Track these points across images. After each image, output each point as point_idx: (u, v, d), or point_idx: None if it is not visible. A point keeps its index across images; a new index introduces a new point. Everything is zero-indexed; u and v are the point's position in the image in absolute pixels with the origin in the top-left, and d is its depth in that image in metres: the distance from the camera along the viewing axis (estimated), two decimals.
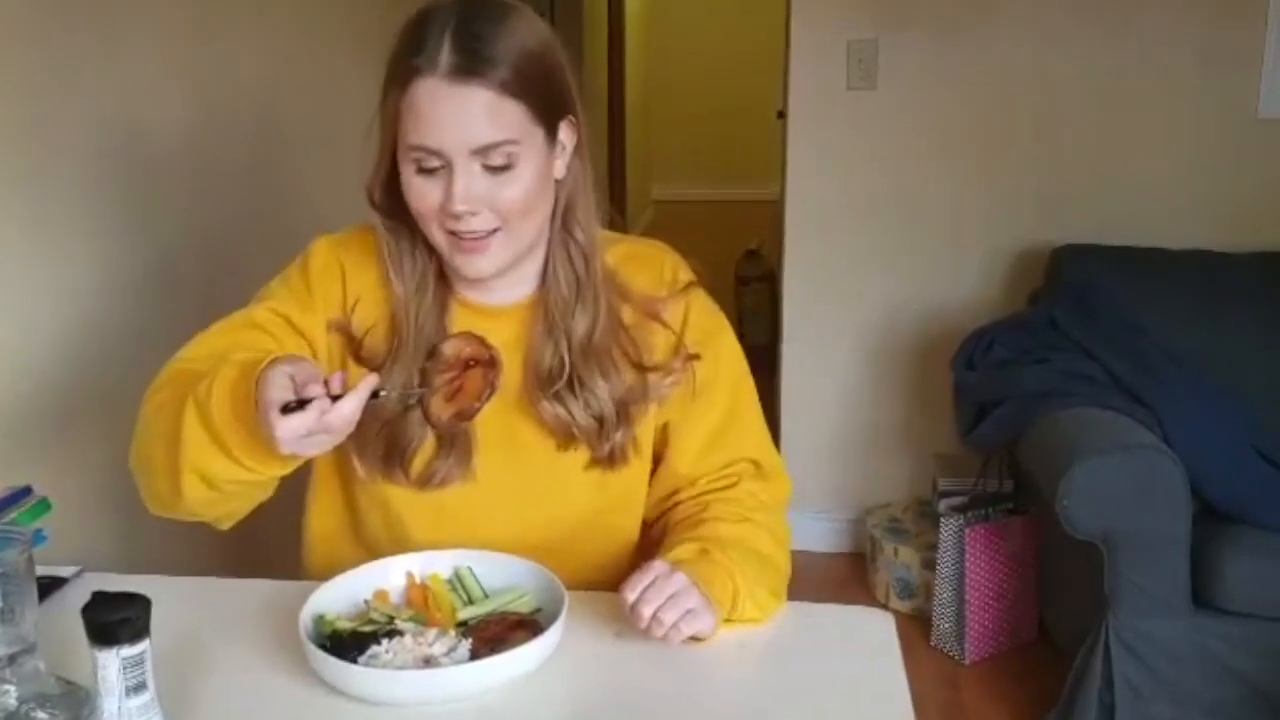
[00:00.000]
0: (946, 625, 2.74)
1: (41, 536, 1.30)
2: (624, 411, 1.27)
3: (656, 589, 1.11)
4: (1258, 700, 2.21)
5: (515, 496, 1.28)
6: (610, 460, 1.28)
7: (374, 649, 1.09)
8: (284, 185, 2.30)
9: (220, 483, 1.09)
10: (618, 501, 1.33)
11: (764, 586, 1.22)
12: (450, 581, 1.21)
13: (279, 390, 1.01)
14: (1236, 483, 2.28)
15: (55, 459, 1.61)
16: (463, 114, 1.11)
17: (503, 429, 1.26)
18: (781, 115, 3.17)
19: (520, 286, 1.27)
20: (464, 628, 1.14)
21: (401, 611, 1.16)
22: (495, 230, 1.17)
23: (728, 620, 1.17)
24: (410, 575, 1.21)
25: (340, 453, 1.27)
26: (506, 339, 1.22)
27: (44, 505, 1.32)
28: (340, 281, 1.27)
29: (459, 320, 1.26)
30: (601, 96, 6.45)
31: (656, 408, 1.31)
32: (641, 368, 1.28)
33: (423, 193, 1.16)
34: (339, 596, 1.17)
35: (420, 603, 1.18)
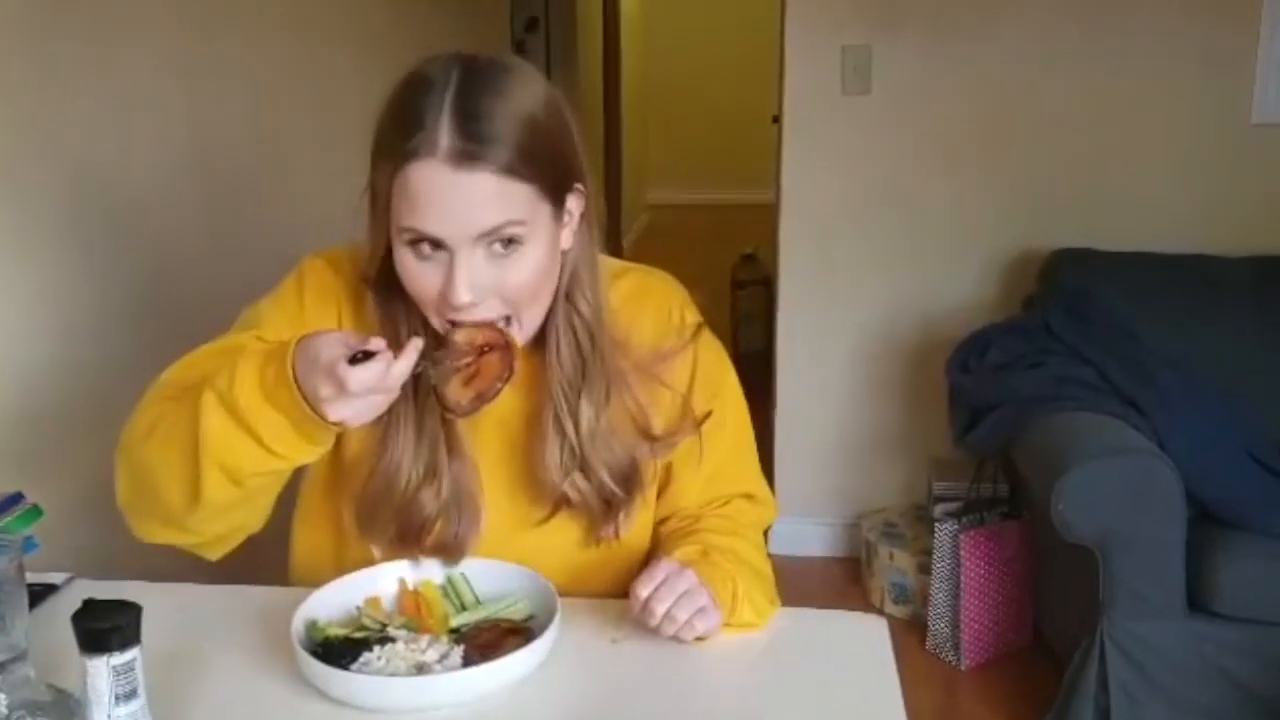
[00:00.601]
0: (942, 630, 2.73)
1: (32, 543, 1.29)
2: (635, 479, 1.25)
3: (669, 587, 1.11)
4: (1253, 704, 2.21)
5: (518, 552, 1.24)
6: (616, 533, 1.26)
7: (366, 656, 1.08)
8: (278, 200, 2.30)
9: (246, 476, 1.06)
10: (622, 546, 1.31)
11: (759, 593, 1.23)
12: (443, 588, 1.21)
13: (336, 347, 0.99)
14: (1231, 487, 2.28)
15: (46, 466, 1.60)
16: (465, 201, 1.03)
17: (509, 495, 1.24)
18: (776, 120, 3.17)
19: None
20: (457, 634, 1.14)
21: (394, 618, 1.16)
22: (504, 318, 1.11)
23: (726, 624, 1.17)
24: (403, 582, 1.21)
25: (328, 473, 1.26)
26: (509, 400, 1.18)
27: (35, 512, 1.31)
28: (335, 306, 1.21)
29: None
30: (597, 100, 6.45)
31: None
32: (649, 436, 1.25)
33: (421, 278, 1.08)
34: (331, 603, 1.16)
35: (413, 609, 1.17)
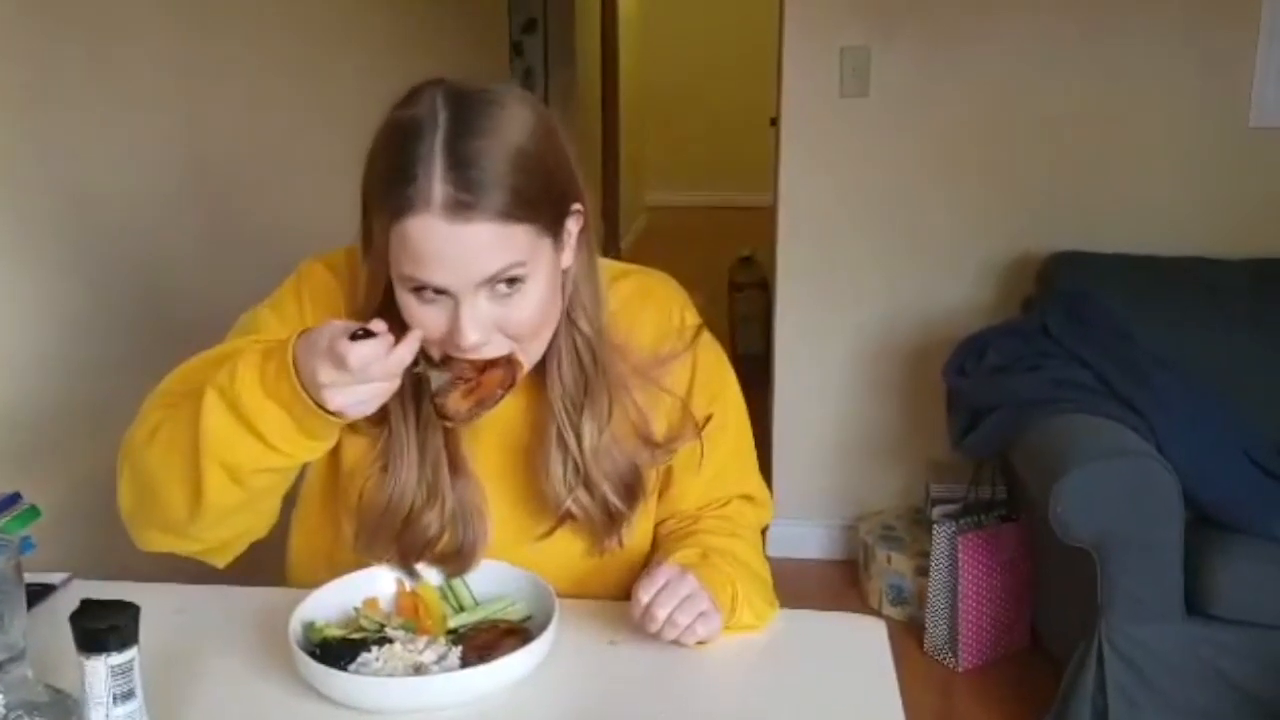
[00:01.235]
0: (940, 632, 2.73)
1: (30, 544, 1.29)
2: (637, 488, 1.24)
3: (670, 591, 1.11)
4: (1251, 707, 2.21)
5: (521, 564, 1.23)
6: (620, 543, 1.26)
7: (364, 656, 1.08)
8: (277, 202, 2.29)
9: (248, 474, 1.06)
10: (623, 552, 1.30)
11: (759, 596, 1.23)
12: (440, 589, 1.21)
13: (339, 328, 0.99)
14: (1229, 489, 2.28)
15: (44, 466, 1.60)
16: (464, 251, 1.01)
17: (512, 509, 1.24)
18: (774, 122, 3.17)
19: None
20: (454, 635, 1.14)
21: (391, 619, 1.16)
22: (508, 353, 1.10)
23: (726, 627, 1.17)
24: (400, 583, 1.21)
25: (326, 477, 1.26)
26: (512, 416, 1.20)
27: (33, 512, 1.31)
28: (334, 311, 1.19)
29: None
30: (595, 102, 6.45)
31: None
32: (651, 442, 1.24)
33: (425, 320, 1.06)
34: (329, 604, 1.16)
35: (410, 610, 1.17)
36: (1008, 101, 2.96)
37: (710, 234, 6.80)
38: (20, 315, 1.59)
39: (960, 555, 2.62)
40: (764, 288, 4.58)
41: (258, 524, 1.18)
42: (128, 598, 0.94)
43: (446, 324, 1.06)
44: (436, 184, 0.99)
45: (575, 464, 1.20)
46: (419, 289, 1.05)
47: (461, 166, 1.00)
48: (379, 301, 1.11)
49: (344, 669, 1.06)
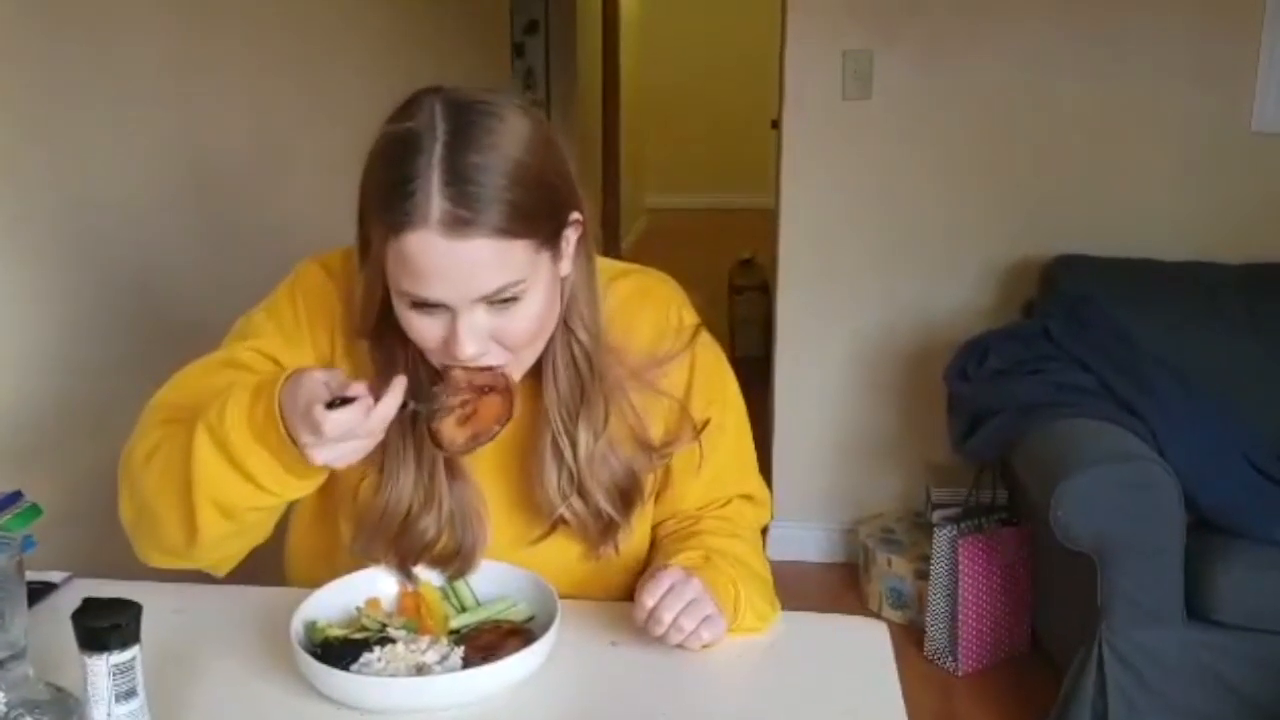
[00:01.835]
0: (939, 636, 2.73)
1: (31, 542, 1.29)
2: (634, 494, 1.24)
3: (676, 595, 1.10)
4: (1251, 712, 2.21)
5: (516, 561, 1.24)
6: (615, 549, 1.26)
7: (366, 657, 1.08)
8: (277, 203, 2.29)
9: (239, 511, 1.07)
10: (619, 557, 1.30)
11: (761, 597, 1.23)
12: (443, 589, 1.21)
13: (318, 389, 0.99)
14: (1229, 494, 2.28)
15: (45, 464, 1.60)
16: (462, 268, 1.01)
17: (507, 514, 1.24)
18: (775, 125, 3.17)
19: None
20: (456, 636, 1.13)
21: (394, 619, 1.15)
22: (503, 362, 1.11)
23: (730, 629, 1.17)
24: (402, 583, 1.21)
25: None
26: (509, 426, 1.19)
27: (34, 510, 1.31)
28: (329, 313, 1.20)
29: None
30: (596, 104, 6.45)
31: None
32: (648, 446, 1.24)
33: (423, 331, 1.07)
34: (331, 604, 1.16)
35: (412, 610, 1.17)
36: (1010, 105, 2.96)
37: (710, 236, 6.81)
38: (21, 314, 1.59)
39: (960, 559, 2.62)
40: (764, 290, 4.58)
41: (256, 541, 1.18)
42: (130, 596, 0.94)
43: (444, 334, 1.06)
44: (435, 200, 0.99)
45: (570, 471, 1.20)
46: (416, 302, 1.05)
47: (460, 182, 0.99)
48: (377, 309, 1.11)
49: (346, 669, 1.05)
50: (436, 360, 1.12)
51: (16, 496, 1.32)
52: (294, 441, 1.01)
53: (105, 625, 0.90)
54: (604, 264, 1.24)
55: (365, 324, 1.14)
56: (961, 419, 2.62)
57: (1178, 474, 2.17)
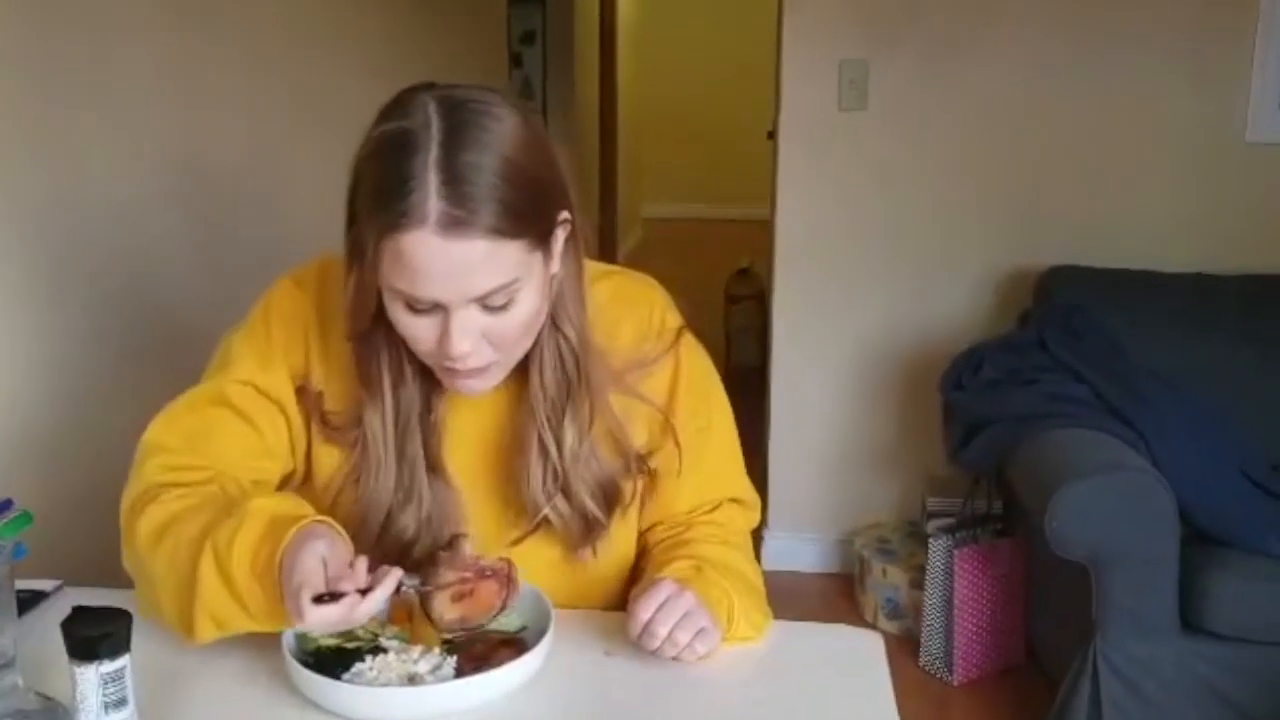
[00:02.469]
0: (935, 646, 2.73)
1: (22, 549, 1.28)
2: (616, 497, 1.24)
3: (669, 609, 1.10)
4: None
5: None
6: (594, 553, 1.25)
7: (358, 666, 1.08)
8: (270, 213, 2.29)
9: (233, 629, 1.09)
10: (599, 566, 1.29)
11: (754, 606, 1.22)
12: None
13: (313, 574, 0.99)
14: (1224, 505, 2.28)
15: (36, 472, 1.59)
16: (457, 268, 1.01)
17: (488, 514, 1.24)
18: (772, 135, 3.17)
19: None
20: (449, 645, 1.13)
21: (386, 628, 1.15)
22: (493, 361, 1.12)
23: (724, 640, 1.17)
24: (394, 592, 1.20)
25: (301, 489, 1.25)
26: (493, 420, 1.22)
27: (25, 518, 1.30)
28: (303, 340, 1.21)
29: (450, 406, 1.22)
30: (593, 114, 6.46)
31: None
32: (629, 453, 1.24)
33: (415, 330, 1.08)
34: None
35: (405, 620, 1.16)
36: (1005, 115, 2.97)
37: (707, 246, 6.81)
38: (14, 322, 1.58)
39: (956, 569, 2.62)
40: (760, 300, 4.59)
41: None
42: (121, 605, 0.94)
43: (437, 334, 1.06)
44: (432, 200, 0.99)
45: (555, 470, 1.19)
46: (411, 303, 1.05)
47: (456, 182, 0.99)
48: (370, 311, 1.11)
49: (338, 678, 1.05)
50: (428, 360, 1.12)
51: (7, 504, 1.31)
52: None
53: (95, 634, 0.90)
54: (587, 265, 1.23)
55: (357, 326, 1.14)
56: (957, 429, 2.62)
57: (1172, 485, 2.17)
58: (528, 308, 1.09)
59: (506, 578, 1.11)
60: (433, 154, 1.00)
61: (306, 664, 1.05)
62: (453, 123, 1.01)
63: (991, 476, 2.70)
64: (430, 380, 1.18)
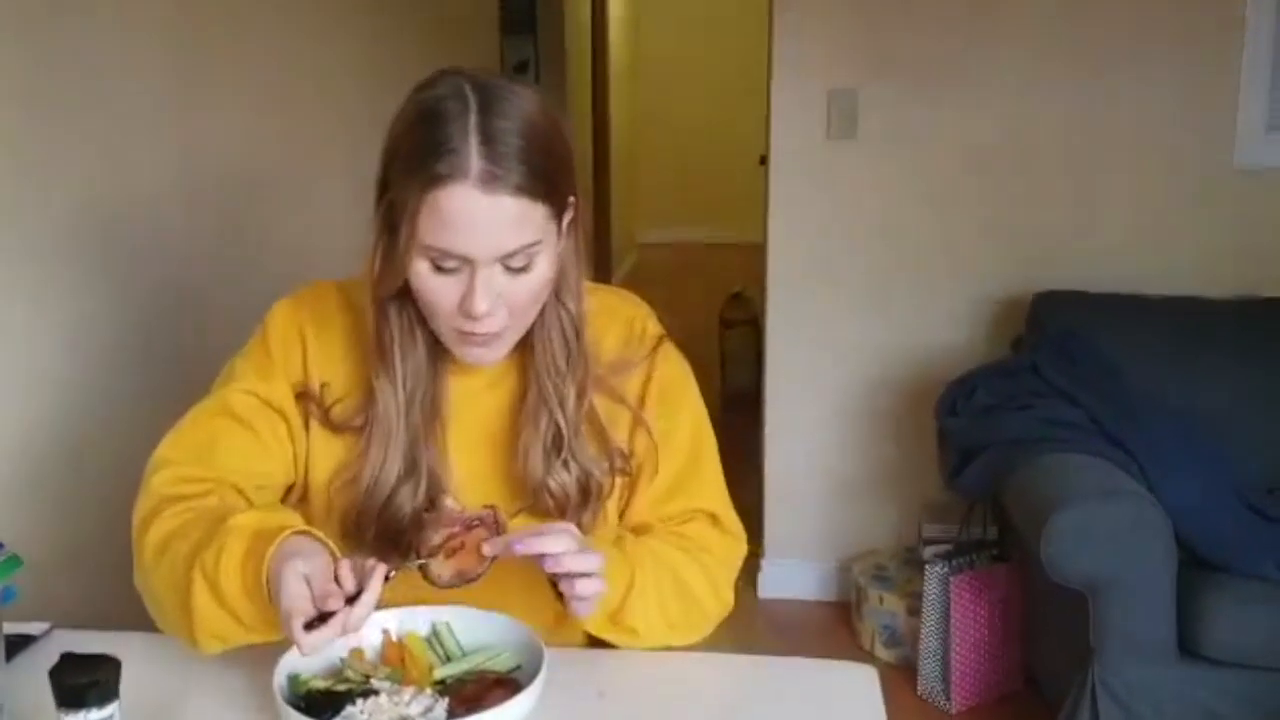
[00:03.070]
0: (932, 674, 2.72)
1: (11, 593, 1.27)
2: (594, 490, 1.27)
3: (552, 534, 1.13)
4: None
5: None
6: (581, 527, 1.26)
7: (349, 710, 1.07)
8: (261, 245, 2.29)
9: (235, 643, 1.12)
10: None
11: (665, 610, 1.23)
12: (428, 639, 1.20)
13: (299, 600, 1.01)
14: (1220, 530, 2.28)
15: (26, 515, 1.58)
16: (494, 223, 1.09)
17: (485, 492, 1.26)
18: (763, 161, 3.18)
19: None
20: (441, 686, 1.12)
21: (378, 670, 1.14)
22: (505, 326, 1.17)
23: (613, 621, 1.19)
24: (386, 633, 1.20)
25: (295, 507, 1.27)
26: (494, 399, 1.27)
27: (14, 561, 1.29)
28: (300, 346, 1.27)
29: (453, 381, 1.27)
30: (586, 141, 6.48)
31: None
32: (610, 453, 1.28)
33: (439, 290, 1.14)
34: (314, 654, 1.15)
35: (397, 660, 1.16)
36: (992, 143, 2.98)
37: (701, 271, 6.82)
38: (1, 365, 1.58)
39: (953, 596, 2.61)
40: (755, 324, 4.58)
41: None
42: (111, 648, 0.93)
43: (459, 294, 1.12)
44: (473, 157, 1.07)
45: (558, 432, 1.24)
46: (439, 259, 1.11)
47: (492, 142, 1.08)
48: (404, 274, 1.14)
49: None
50: (445, 325, 1.16)
51: None
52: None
53: (84, 682, 0.90)
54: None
55: (386, 288, 1.18)
56: (952, 455, 2.62)
57: (1168, 509, 2.17)
58: (542, 273, 1.16)
59: (494, 522, 1.14)
60: (471, 119, 1.08)
61: (298, 707, 1.05)
62: (485, 95, 1.11)
63: (987, 502, 2.70)
64: (436, 356, 1.24)
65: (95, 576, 1.62)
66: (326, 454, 1.26)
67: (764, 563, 3.24)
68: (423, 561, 1.14)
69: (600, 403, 1.28)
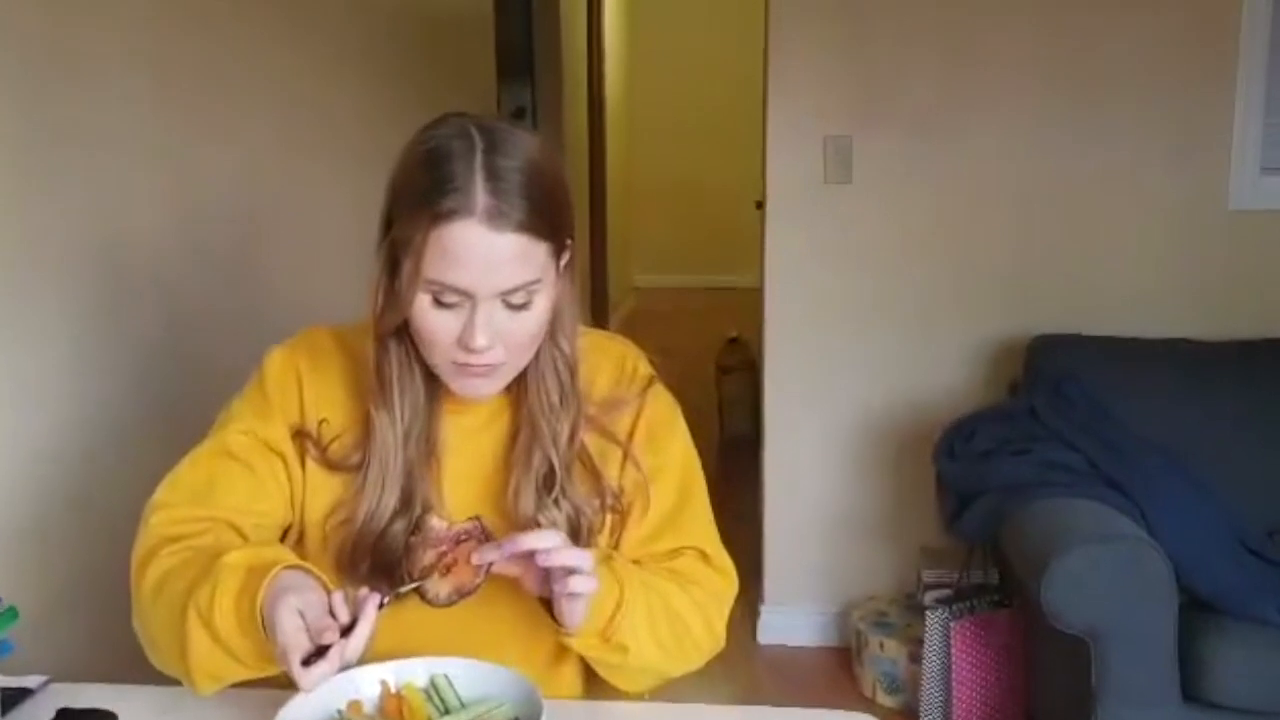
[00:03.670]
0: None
1: (7, 645, 1.26)
2: (590, 524, 1.28)
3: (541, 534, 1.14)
4: None
5: (483, 597, 1.26)
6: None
7: None
8: (259, 288, 2.30)
9: (231, 680, 1.12)
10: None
11: (655, 630, 1.23)
12: (426, 691, 1.19)
13: (294, 636, 1.02)
14: (1222, 573, 2.27)
15: (22, 566, 1.58)
16: (497, 260, 1.12)
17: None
18: (760, 205, 3.20)
19: None
20: None
21: None
22: (502, 362, 1.19)
23: (603, 638, 1.19)
24: (385, 684, 1.18)
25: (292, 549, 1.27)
26: (488, 437, 1.28)
27: (10, 614, 1.28)
28: (297, 387, 1.28)
29: (449, 420, 1.28)
30: (583, 185, 6.52)
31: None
32: (602, 492, 1.29)
33: (439, 325, 1.15)
34: (312, 706, 1.13)
35: (395, 713, 1.15)
36: (988, 187, 3.00)
37: (698, 315, 6.84)
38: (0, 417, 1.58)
39: (953, 641, 2.60)
40: (752, 369, 4.58)
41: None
42: (108, 701, 0.93)
43: (458, 329, 1.14)
44: (479, 194, 1.10)
45: (550, 470, 1.24)
46: (440, 294, 1.13)
47: (497, 179, 1.11)
48: (407, 308, 1.16)
49: None
50: (443, 358, 1.17)
51: None
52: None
53: None
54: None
55: (389, 323, 1.20)
56: (950, 500, 2.61)
57: (1168, 553, 2.16)
58: (540, 312, 1.18)
59: (481, 533, 1.15)
60: (477, 158, 1.12)
61: None
62: (490, 136, 1.14)
63: (987, 547, 2.69)
64: (433, 394, 1.25)
65: (93, 628, 1.62)
66: (323, 491, 1.27)
67: (763, 608, 3.22)
68: (417, 584, 1.15)
69: (592, 441, 1.30)
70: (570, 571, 1.12)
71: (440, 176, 1.11)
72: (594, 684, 1.35)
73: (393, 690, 1.18)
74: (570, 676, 1.34)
